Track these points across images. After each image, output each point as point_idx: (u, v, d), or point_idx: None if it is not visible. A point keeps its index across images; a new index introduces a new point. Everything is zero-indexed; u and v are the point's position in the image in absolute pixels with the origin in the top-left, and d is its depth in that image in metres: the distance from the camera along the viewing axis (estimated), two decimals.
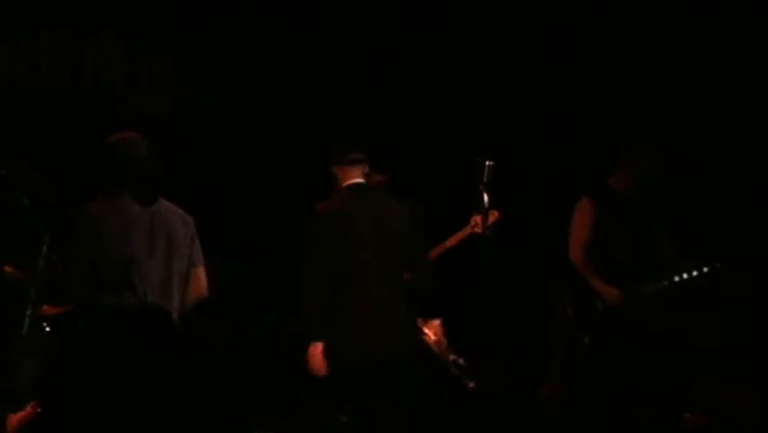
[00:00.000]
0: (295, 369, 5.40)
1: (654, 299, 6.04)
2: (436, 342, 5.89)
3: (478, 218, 6.02)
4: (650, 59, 7.23)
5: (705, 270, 5.89)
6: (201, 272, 4.94)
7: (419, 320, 6.10)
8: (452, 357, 5.85)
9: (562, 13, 7.44)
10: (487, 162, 5.50)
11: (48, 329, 5.01)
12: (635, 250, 6.16)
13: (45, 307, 4.90)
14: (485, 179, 5.53)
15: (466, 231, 6.36)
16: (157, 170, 4.80)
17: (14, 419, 4.57)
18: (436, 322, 5.78)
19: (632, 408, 6.01)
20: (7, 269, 5.42)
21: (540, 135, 7.52)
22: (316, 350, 5.27)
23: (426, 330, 5.97)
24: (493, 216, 5.99)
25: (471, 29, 7.71)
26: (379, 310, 5.32)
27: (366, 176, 5.59)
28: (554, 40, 7.46)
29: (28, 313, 4.62)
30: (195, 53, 7.80)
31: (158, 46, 7.67)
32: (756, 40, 6.85)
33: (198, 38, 7.72)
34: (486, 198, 5.55)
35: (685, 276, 5.93)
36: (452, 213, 6.45)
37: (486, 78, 7.67)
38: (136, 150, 4.77)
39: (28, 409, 4.58)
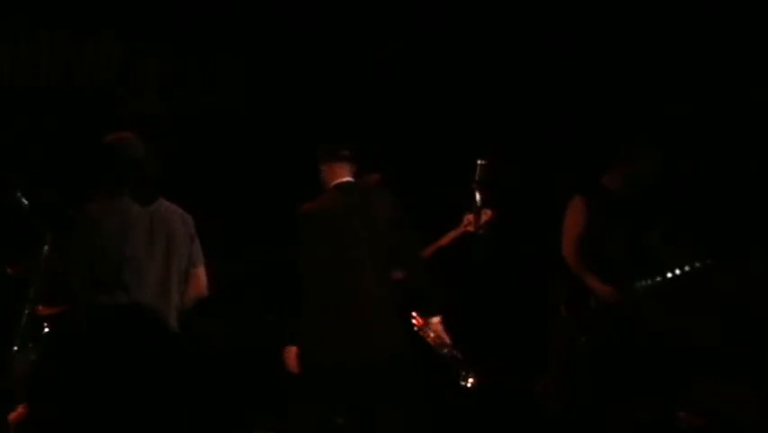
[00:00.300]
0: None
1: (648, 296, 5.98)
2: (434, 339, 5.83)
3: (470, 217, 5.97)
4: (650, 59, 7.21)
5: (697, 266, 5.82)
6: (201, 272, 4.94)
7: (421, 320, 6.08)
8: (446, 350, 5.78)
9: (561, 13, 7.43)
10: (479, 161, 5.46)
11: (47, 330, 5.00)
12: (629, 249, 6.10)
13: (40, 307, 4.89)
14: (477, 178, 5.50)
15: (459, 230, 6.28)
16: (157, 169, 4.80)
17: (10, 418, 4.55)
18: (436, 320, 5.72)
19: (632, 408, 5.98)
20: (8, 269, 5.41)
21: (540, 135, 7.51)
22: (291, 352, 5.29)
23: (426, 328, 5.93)
24: (486, 214, 5.95)
25: (471, 29, 7.69)
26: (378, 309, 5.28)
27: (355, 175, 5.51)
28: (554, 40, 7.45)
29: (26, 312, 4.62)
30: (195, 53, 7.79)
31: (158, 46, 7.65)
32: (756, 40, 6.83)
33: (198, 38, 7.71)
34: (478, 196, 5.52)
35: (678, 272, 5.87)
36: (452, 212, 6.43)
37: (486, 77, 7.65)
38: (133, 149, 4.75)
39: (19, 409, 4.56)
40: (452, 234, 6.30)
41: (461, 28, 7.72)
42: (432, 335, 5.81)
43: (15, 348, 4.69)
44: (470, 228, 6.01)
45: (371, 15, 7.75)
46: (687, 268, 5.84)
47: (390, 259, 5.41)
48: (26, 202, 4.75)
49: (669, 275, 5.89)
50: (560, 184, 7.14)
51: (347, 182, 5.46)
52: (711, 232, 6.51)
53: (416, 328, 6.09)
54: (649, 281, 5.96)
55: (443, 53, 7.78)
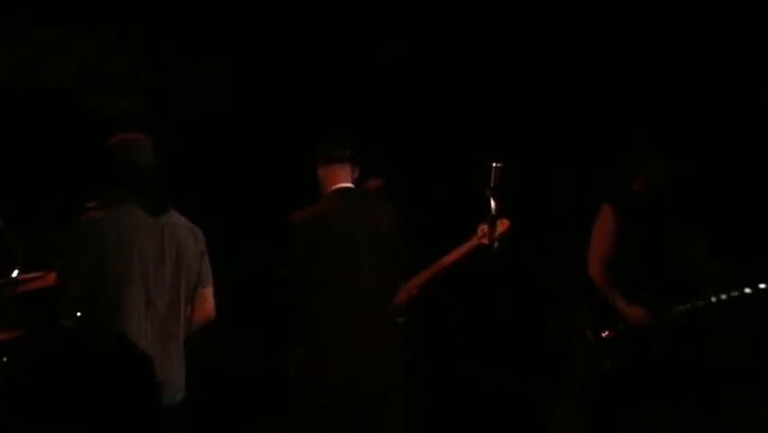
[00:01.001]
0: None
1: (686, 320, 5.43)
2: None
3: (485, 228, 5.20)
4: (651, 59, 7.06)
5: (747, 291, 5.26)
6: (209, 293, 4.46)
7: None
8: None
9: (562, 14, 7.27)
10: (494, 164, 4.85)
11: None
12: (659, 261, 5.56)
13: None
14: (492, 183, 4.86)
15: (472, 243, 5.54)
16: (156, 171, 4.31)
17: None
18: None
19: (642, 412, 5.58)
20: None
21: (541, 135, 7.34)
22: None
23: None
24: (503, 225, 5.28)
25: (472, 29, 7.54)
26: (377, 320, 4.91)
27: (357, 179, 5.05)
28: (555, 40, 7.29)
29: None
30: (194, 53, 7.62)
31: (156, 46, 7.49)
32: (758, 40, 6.68)
33: (194, 38, 7.54)
34: (493, 204, 4.85)
35: (723, 297, 5.28)
36: (453, 213, 6.21)
37: (486, 77, 7.49)
38: (142, 153, 4.24)
39: None
40: (465, 248, 5.56)
41: (461, 28, 7.56)
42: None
43: None
44: (485, 241, 5.16)
45: (371, 15, 7.59)
46: (735, 293, 5.29)
47: (391, 265, 4.98)
48: (1, 222, 4.38)
49: (713, 300, 5.32)
50: (560, 185, 7.00)
51: (346, 188, 4.99)
52: (717, 233, 6.18)
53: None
54: (691, 305, 5.42)
55: (442, 53, 7.62)
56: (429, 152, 7.42)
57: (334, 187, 5.00)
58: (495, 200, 4.88)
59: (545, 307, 6.85)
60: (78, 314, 4.15)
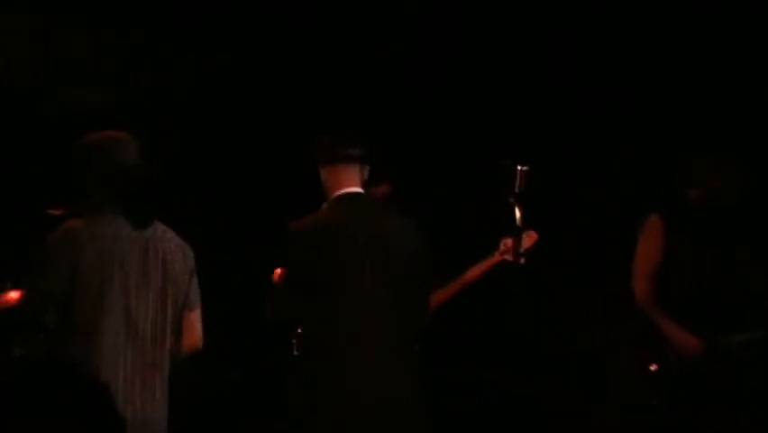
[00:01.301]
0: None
1: (748, 351, 4.61)
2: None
3: (508, 242, 4.67)
4: (651, 59, 6.99)
5: None
6: (196, 317, 3.91)
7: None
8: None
9: (562, 13, 7.20)
10: (519, 167, 4.24)
11: None
12: (717, 283, 4.74)
13: None
14: (516, 189, 4.25)
15: (494, 259, 4.84)
16: (142, 173, 3.85)
17: None
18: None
19: None
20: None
21: (540, 135, 7.26)
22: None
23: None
24: (530, 238, 4.66)
25: (472, 29, 7.47)
26: (390, 349, 4.51)
27: (365, 184, 4.51)
28: (555, 40, 7.22)
29: None
30: (194, 53, 7.55)
31: (156, 46, 7.41)
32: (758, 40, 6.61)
33: (198, 37, 7.47)
34: (518, 214, 4.26)
35: None
36: (455, 216, 6.13)
37: (487, 77, 7.42)
38: (124, 153, 3.75)
39: None
40: (486, 264, 4.85)
41: (461, 28, 7.49)
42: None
43: None
44: (509, 257, 4.56)
45: (371, 15, 7.52)
46: None
47: (395, 268, 4.48)
48: None
49: None
50: (560, 185, 6.94)
51: (354, 193, 4.41)
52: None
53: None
54: (752, 333, 4.59)
55: (442, 53, 7.54)
56: (429, 152, 7.34)
57: (340, 192, 4.49)
58: (520, 209, 4.30)
59: (548, 310, 6.79)
60: (43, 335, 3.71)
